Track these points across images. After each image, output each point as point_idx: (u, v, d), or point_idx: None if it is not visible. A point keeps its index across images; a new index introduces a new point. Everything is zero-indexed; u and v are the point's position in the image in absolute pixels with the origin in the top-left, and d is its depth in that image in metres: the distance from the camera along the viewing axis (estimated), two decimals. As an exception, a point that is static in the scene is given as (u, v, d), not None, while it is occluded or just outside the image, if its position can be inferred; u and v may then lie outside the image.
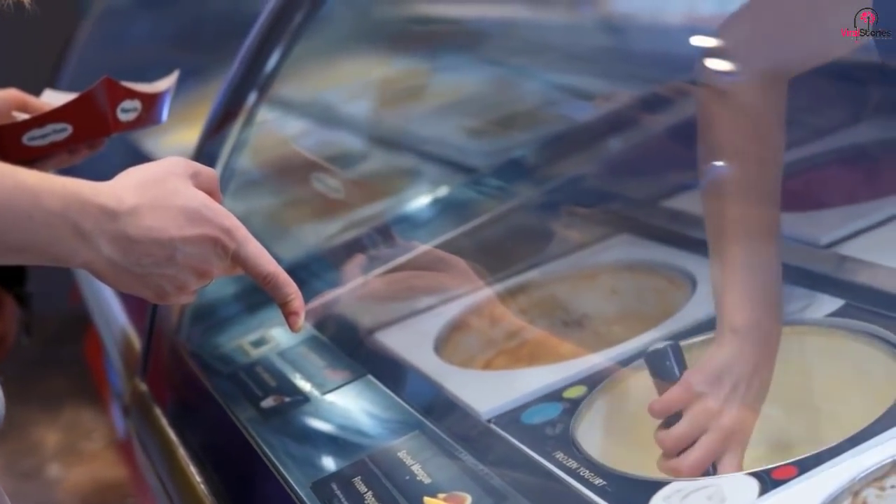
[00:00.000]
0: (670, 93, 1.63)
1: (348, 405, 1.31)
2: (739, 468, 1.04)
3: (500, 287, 1.53)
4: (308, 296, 1.00)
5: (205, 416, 1.46)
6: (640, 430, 1.11)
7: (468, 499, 1.02)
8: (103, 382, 2.22)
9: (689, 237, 1.44)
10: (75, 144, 1.26)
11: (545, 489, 1.04)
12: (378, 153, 2.22)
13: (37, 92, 1.34)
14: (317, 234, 1.88)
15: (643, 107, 1.72)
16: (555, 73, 2.05)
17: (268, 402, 1.34)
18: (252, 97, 1.68)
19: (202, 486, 1.29)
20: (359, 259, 1.65)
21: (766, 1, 1.15)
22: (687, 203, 1.53)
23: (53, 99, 1.31)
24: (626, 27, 2.07)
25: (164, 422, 1.50)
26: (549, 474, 1.05)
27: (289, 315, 0.97)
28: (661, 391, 1.09)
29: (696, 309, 1.29)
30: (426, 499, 1.03)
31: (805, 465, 0.93)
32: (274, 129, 2.16)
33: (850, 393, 1.12)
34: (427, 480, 1.06)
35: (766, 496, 0.91)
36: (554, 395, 1.20)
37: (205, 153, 1.67)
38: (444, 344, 1.43)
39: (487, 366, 1.43)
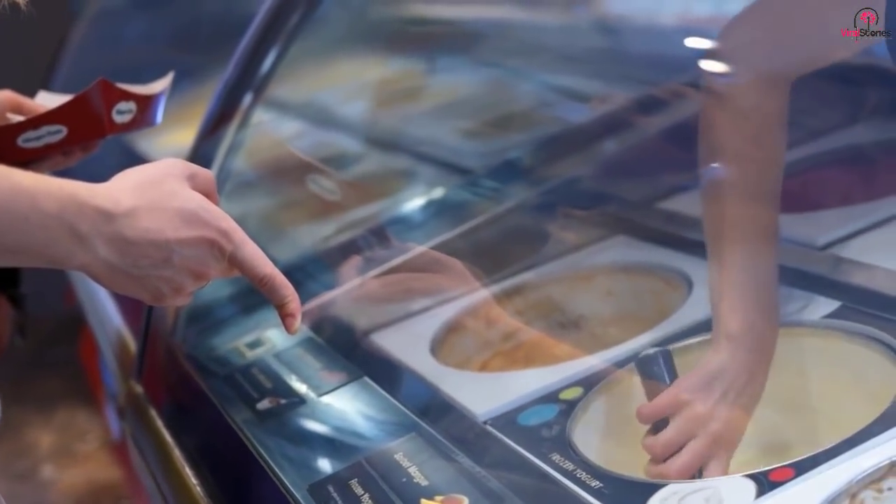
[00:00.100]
0: (666, 94, 1.63)
1: (345, 407, 1.31)
2: (725, 472, 1.04)
3: (496, 288, 1.53)
4: (304, 297, 1.00)
5: (200, 418, 1.46)
6: (636, 431, 1.11)
7: (465, 501, 1.02)
8: (98, 384, 2.21)
9: (685, 239, 1.44)
10: (70, 146, 1.26)
11: (542, 491, 1.04)
12: (374, 154, 2.22)
13: (30, 93, 1.34)
14: (312, 236, 1.88)
15: (639, 108, 1.72)
16: (550, 74, 2.05)
17: (264, 404, 1.34)
18: (248, 98, 1.68)
19: (198, 489, 1.29)
20: (355, 261, 1.65)
21: (769, 4, 1.15)
22: (683, 204, 1.53)
23: (47, 101, 1.31)
24: (621, 28, 2.07)
25: (159, 423, 1.50)
26: (546, 476, 1.05)
27: (285, 317, 0.97)
28: (650, 397, 1.10)
29: (692, 310, 1.29)
30: (423, 501, 1.03)
31: (802, 467, 0.93)
32: (269, 130, 2.16)
33: (847, 394, 1.12)
34: (424, 483, 1.06)
35: (763, 498, 0.91)
36: (550, 397, 1.20)
37: (200, 154, 1.67)
38: (440, 346, 1.43)
39: (484, 367, 1.43)
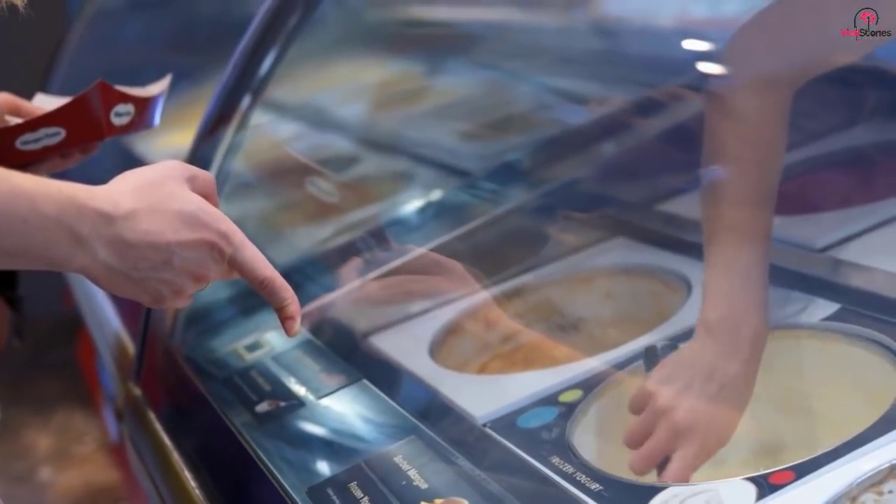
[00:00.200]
0: (665, 96, 1.63)
1: (344, 410, 1.30)
2: (691, 468, 1.04)
3: (495, 291, 1.53)
4: (302, 300, 1.00)
5: (199, 421, 1.46)
6: (636, 434, 1.11)
7: (465, 504, 1.02)
8: (95, 385, 2.21)
9: (684, 241, 1.44)
10: (68, 148, 1.26)
11: (541, 494, 1.04)
12: (372, 156, 2.22)
13: (28, 96, 1.33)
14: (311, 238, 1.88)
15: (638, 110, 1.72)
16: (549, 76, 2.05)
17: (263, 407, 1.34)
18: (246, 100, 1.68)
19: (196, 492, 1.29)
20: (353, 263, 1.65)
21: (778, 10, 1.15)
22: (682, 207, 1.53)
23: (45, 103, 1.31)
24: (619, 30, 2.07)
25: (158, 426, 1.49)
26: (546, 479, 1.05)
27: (285, 320, 0.97)
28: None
29: (692, 312, 1.28)
30: (423, 504, 1.03)
31: (803, 470, 0.92)
32: (268, 132, 2.16)
33: (847, 397, 1.12)
34: (424, 486, 1.06)
35: (763, 501, 0.91)
36: (550, 399, 1.20)
37: (199, 156, 1.67)
38: (439, 348, 1.43)
39: (483, 370, 1.43)
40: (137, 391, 1.63)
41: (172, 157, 1.07)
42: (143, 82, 1.35)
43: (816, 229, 1.34)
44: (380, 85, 2.38)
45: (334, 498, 1.09)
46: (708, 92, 1.21)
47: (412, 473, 1.09)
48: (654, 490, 0.97)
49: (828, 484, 0.89)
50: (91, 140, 1.27)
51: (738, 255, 1.13)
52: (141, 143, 2.57)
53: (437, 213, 1.76)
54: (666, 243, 1.48)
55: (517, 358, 1.42)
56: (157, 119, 1.33)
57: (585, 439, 1.13)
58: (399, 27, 2.47)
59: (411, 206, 1.80)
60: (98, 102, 1.23)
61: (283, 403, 1.34)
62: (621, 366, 1.23)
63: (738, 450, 1.16)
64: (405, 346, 1.43)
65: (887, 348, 1.10)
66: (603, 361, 1.24)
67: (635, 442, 1.09)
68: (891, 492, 0.87)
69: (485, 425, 1.18)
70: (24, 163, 1.22)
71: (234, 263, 0.94)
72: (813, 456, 0.94)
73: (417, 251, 1.63)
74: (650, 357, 1.16)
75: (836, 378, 1.15)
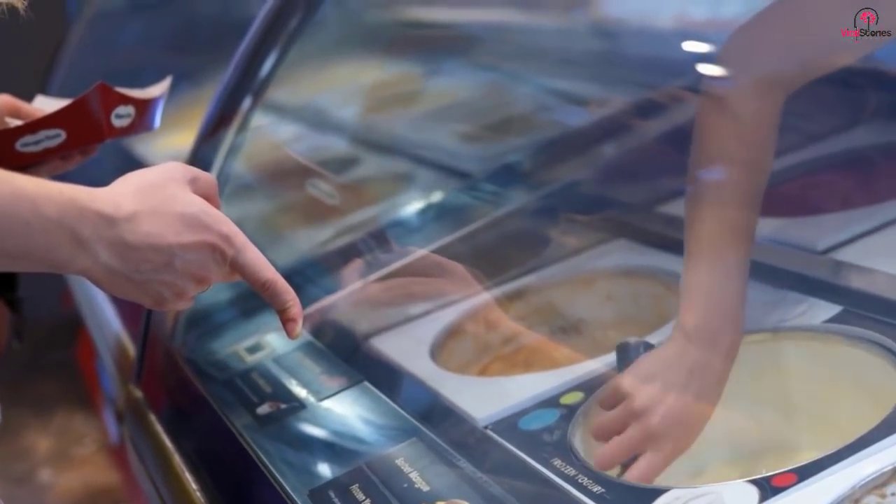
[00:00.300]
0: (666, 98, 1.63)
1: (345, 412, 1.30)
2: (658, 471, 1.05)
3: (495, 292, 1.53)
4: (304, 302, 1.00)
5: (200, 423, 1.46)
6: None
7: (467, 506, 1.02)
8: (95, 387, 2.21)
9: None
10: (69, 150, 1.26)
11: (543, 496, 1.04)
12: (373, 158, 2.22)
13: (28, 97, 1.33)
14: (311, 240, 1.88)
15: (638, 112, 1.72)
16: (549, 77, 2.05)
17: (264, 409, 1.34)
18: (247, 102, 1.68)
19: (198, 494, 1.28)
20: (354, 265, 1.64)
21: (778, 11, 1.15)
22: (683, 208, 1.53)
23: (45, 105, 1.31)
24: (618, 32, 2.07)
25: (158, 428, 1.49)
26: (547, 481, 1.05)
27: (287, 322, 0.97)
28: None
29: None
30: (424, 506, 1.03)
31: (805, 473, 0.92)
32: (269, 133, 2.16)
33: (849, 399, 1.12)
34: (425, 488, 1.06)
35: (765, 503, 0.91)
36: (551, 402, 1.20)
37: (199, 158, 1.67)
38: (440, 350, 1.43)
39: (483, 372, 1.43)
40: (138, 393, 1.62)
41: (173, 158, 1.06)
42: (144, 84, 1.34)
43: (818, 231, 1.33)
44: (380, 86, 2.38)
45: (336, 500, 1.09)
46: (702, 92, 1.21)
47: (414, 476, 1.09)
48: (656, 492, 0.97)
49: (830, 487, 0.89)
50: (91, 142, 1.27)
51: (720, 257, 1.13)
52: (141, 145, 2.57)
53: (437, 215, 1.76)
54: (667, 245, 1.48)
55: (518, 360, 1.42)
56: (157, 121, 1.33)
57: (587, 441, 1.13)
58: (399, 29, 2.47)
59: (412, 207, 1.80)
60: (98, 104, 1.23)
61: (284, 405, 1.34)
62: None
63: (739, 452, 1.16)
64: (406, 348, 1.43)
65: (889, 350, 1.09)
66: (604, 363, 1.24)
67: (604, 436, 1.10)
68: (893, 494, 0.87)
69: (486, 427, 1.18)
70: (24, 165, 1.22)
71: (235, 265, 0.94)
72: (815, 458, 0.94)
73: (418, 253, 1.63)
74: (622, 354, 1.17)
75: (838, 380, 1.15)
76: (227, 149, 1.67)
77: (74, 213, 0.85)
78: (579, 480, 1.03)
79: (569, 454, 1.08)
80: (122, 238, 0.87)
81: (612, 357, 1.25)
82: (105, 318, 1.98)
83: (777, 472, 0.94)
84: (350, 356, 1.45)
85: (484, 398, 1.24)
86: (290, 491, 1.14)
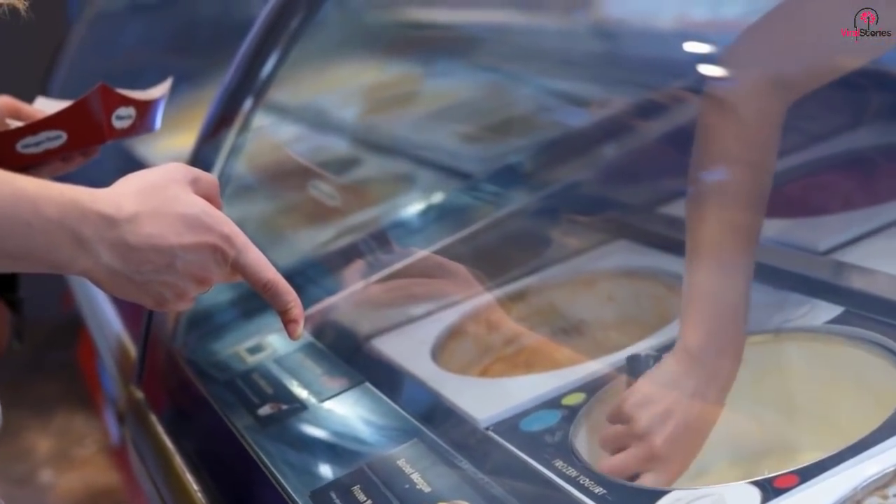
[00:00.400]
0: (667, 98, 1.63)
1: (346, 413, 1.30)
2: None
3: (497, 293, 1.53)
4: (305, 303, 1.00)
5: (201, 424, 1.46)
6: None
7: (468, 508, 1.02)
8: (96, 388, 2.21)
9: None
10: (69, 152, 1.25)
11: (545, 497, 1.04)
12: (374, 159, 2.22)
13: (29, 99, 1.33)
14: (313, 241, 1.88)
15: (639, 112, 1.72)
16: (549, 78, 2.05)
17: (265, 410, 1.34)
18: (248, 102, 1.68)
19: (199, 495, 1.28)
20: (356, 265, 1.64)
21: (784, 14, 1.15)
22: (684, 209, 1.53)
23: (46, 106, 1.30)
24: (620, 33, 2.07)
25: (159, 429, 1.49)
26: (549, 482, 1.05)
27: (288, 323, 0.97)
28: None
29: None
30: (426, 507, 1.03)
31: (807, 474, 0.92)
32: (270, 134, 2.16)
33: (851, 400, 1.12)
34: (427, 489, 1.06)
35: (768, 505, 0.91)
36: (552, 403, 1.20)
37: (200, 158, 1.67)
38: (441, 351, 1.43)
39: (484, 373, 1.43)
40: (139, 394, 1.62)
41: (174, 159, 1.06)
42: (145, 85, 1.34)
43: (820, 232, 1.33)
44: (381, 87, 2.38)
45: (337, 501, 1.09)
46: (706, 93, 1.21)
47: (415, 477, 1.09)
48: (658, 494, 0.97)
49: (832, 488, 0.89)
50: (92, 143, 1.26)
51: (723, 262, 1.13)
52: (142, 146, 2.57)
53: (438, 216, 1.76)
54: (668, 246, 1.48)
55: (519, 361, 1.42)
56: (158, 122, 1.33)
57: (589, 443, 1.13)
58: (400, 29, 2.47)
59: (413, 208, 1.80)
60: (99, 106, 1.23)
61: (285, 406, 1.34)
62: (624, 369, 1.22)
63: (741, 453, 1.15)
64: (407, 349, 1.43)
65: (891, 351, 1.09)
66: (605, 364, 1.24)
67: (609, 448, 1.10)
68: (895, 495, 0.87)
69: (487, 428, 1.18)
70: (25, 166, 1.21)
71: (237, 266, 0.94)
72: (817, 460, 0.94)
73: (419, 254, 1.63)
74: (633, 366, 1.16)
75: (840, 381, 1.15)
76: (229, 150, 1.67)
77: (76, 213, 0.85)
78: (581, 482, 1.03)
79: (570, 455, 1.08)
80: (124, 239, 0.87)
81: (613, 358, 1.26)
82: (106, 318, 1.98)
83: (779, 473, 0.94)
84: (351, 357, 1.45)
85: (485, 399, 1.24)
86: (291, 492, 1.14)
